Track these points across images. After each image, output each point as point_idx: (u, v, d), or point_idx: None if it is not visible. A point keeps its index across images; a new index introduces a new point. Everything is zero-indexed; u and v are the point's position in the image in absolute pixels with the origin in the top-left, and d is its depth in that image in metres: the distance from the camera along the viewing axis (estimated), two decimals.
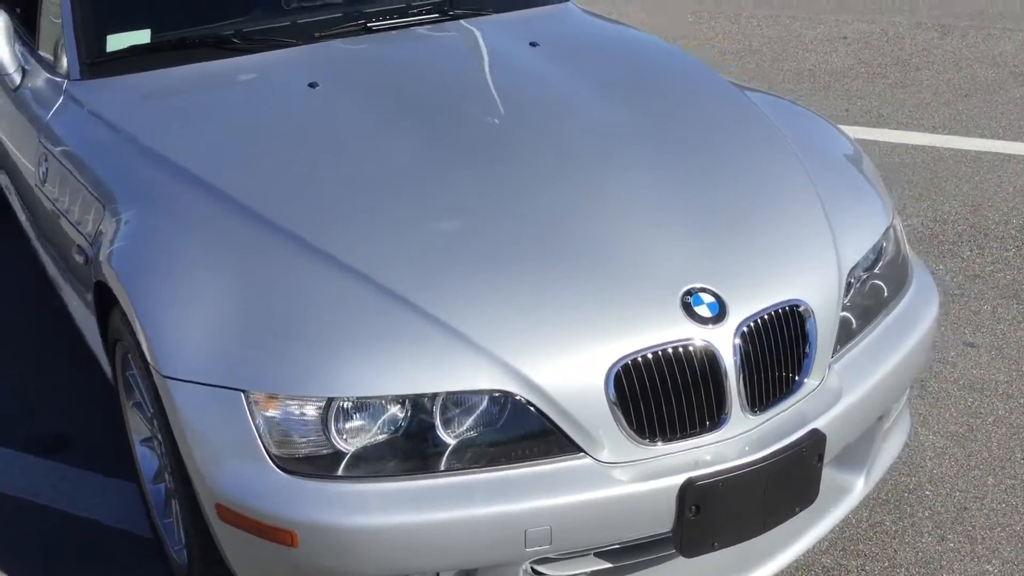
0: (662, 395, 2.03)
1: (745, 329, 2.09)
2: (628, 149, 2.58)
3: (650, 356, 2.02)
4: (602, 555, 2.20)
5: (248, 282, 2.17)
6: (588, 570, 2.19)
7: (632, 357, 2.01)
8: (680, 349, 2.04)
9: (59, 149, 2.91)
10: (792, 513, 2.17)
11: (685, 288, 2.12)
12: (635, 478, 2.00)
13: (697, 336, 2.05)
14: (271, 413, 1.99)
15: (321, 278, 2.15)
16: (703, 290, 2.12)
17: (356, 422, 2.00)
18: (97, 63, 3.06)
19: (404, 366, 1.99)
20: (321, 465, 1.99)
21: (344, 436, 1.99)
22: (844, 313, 2.30)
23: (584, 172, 2.46)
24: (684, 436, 2.05)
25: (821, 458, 2.15)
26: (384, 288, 2.10)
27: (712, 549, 2.10)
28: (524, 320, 2.05)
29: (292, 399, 1.98)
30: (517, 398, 1.98)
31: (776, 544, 2.31)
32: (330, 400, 1.98)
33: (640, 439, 2.02)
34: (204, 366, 2.06)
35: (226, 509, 2.03)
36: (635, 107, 2.81)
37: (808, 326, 2.18)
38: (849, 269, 2.32)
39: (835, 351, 2.26)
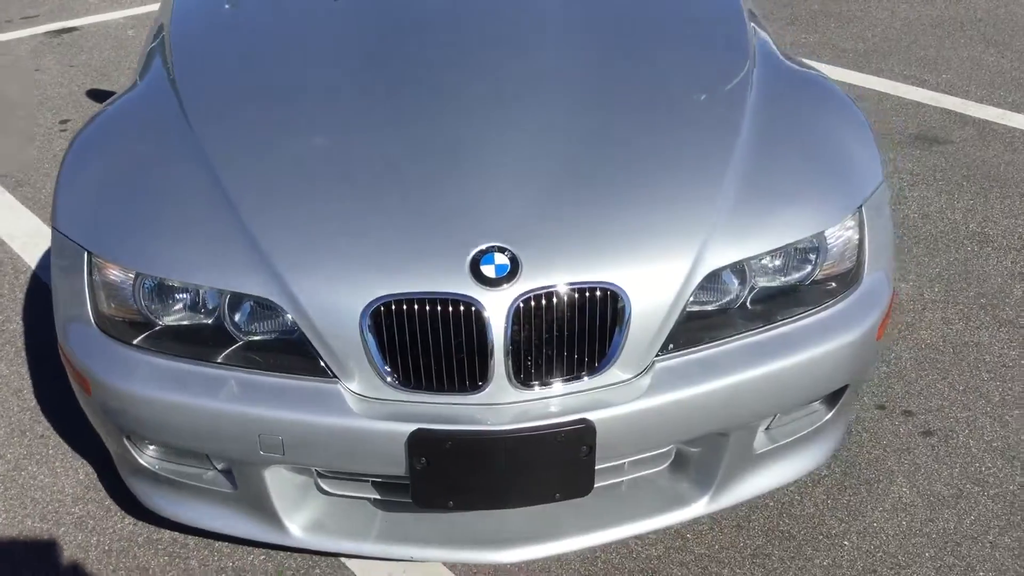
0: (420, 345, 2.02)
1: (532, 301, 2.01)
2: (562, 95, 2.49)
3: (415, 303, 2.01)
4: (380, 486, 2.25)
5: (134, 158, 2.40)
6: (369, 496, 2.26)
7: (396, 299, 2.01)
8: (449, 304, 2.01)
9: None
10: (551, 498, 2.09)
11: (484, 245, 2.06)
12: (371, 415, 2.02)
13: (474, 295, 2.01)
14: (99, 277, 2.22)
15: (184, 167, 2.32)
16: (502, 251, 2.06)
17: (158, 301, 2.17)
18: None
19: (200, 259, 2.12)
20: (122, 330, 2.19)
21: (149, 310, 2.18)
22: (708, 310, 2.15)
23: (492, 112, 2.41)
24: (440, 390, 2.04)
25: (591, 450, 2.04)
26: (222, 186, 2.23)
27: (448, 507, 2.08)
28: (314, 241, 2.10)
29: (114, 267, 2.19)
30: (284, 311, 2.06)
31: (578, 528, 2.24)
32: (138, 275, 2.17)
33: (390, 381, 2.03)
34: (72, 223, 2.31)
35: (61, 348, 2.30)
36: (611, 51, 2.70)
37: (623, 314, 2.05)
38: (713, 270, 2.13)
39: (666, 350, 2.11)
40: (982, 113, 4.85)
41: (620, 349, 2.06)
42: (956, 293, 3.43)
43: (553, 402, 2.04)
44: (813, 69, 2.84)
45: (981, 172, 4.27)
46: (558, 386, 2.05)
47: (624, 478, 2.29)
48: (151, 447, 2.30)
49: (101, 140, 2.51)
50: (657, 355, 2.11)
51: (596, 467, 2.15)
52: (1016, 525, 2.49)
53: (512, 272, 2.03)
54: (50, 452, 2.83)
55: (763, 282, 2.23)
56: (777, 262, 2.24)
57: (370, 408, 2.03)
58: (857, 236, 2.33)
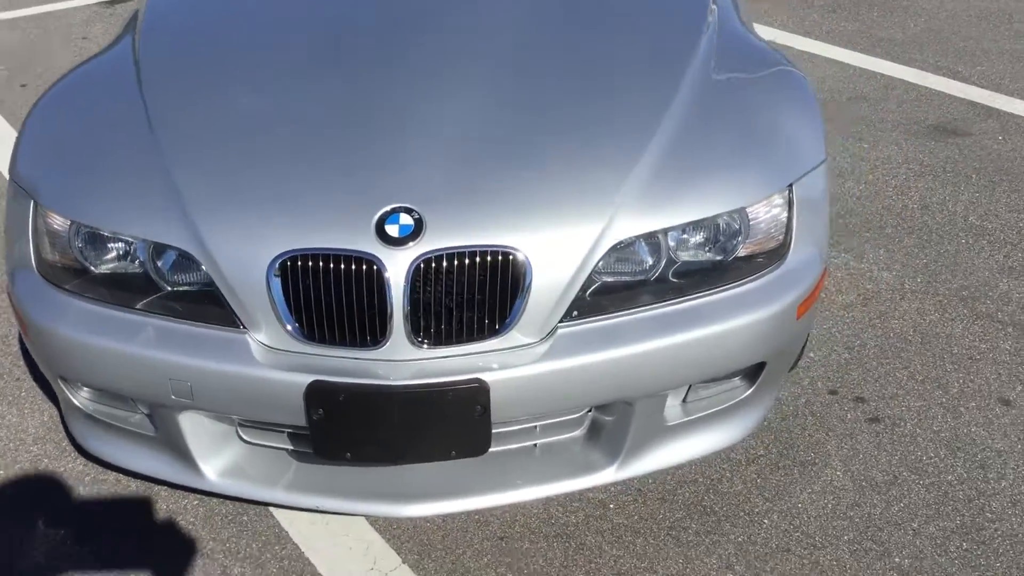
0: (324, 299, 2.08)
1: (434, 262, 2.05)
2: (496, 62, 2.54)
3: (320, 259, 2.07)
4: (293, 437, 2.32)
5: (86, 118, 2.50)
6: (285, 447, 2.33)
7: (302, 254, 2.08)
8: (353, 261, 2.06)
9: None
10: (447, 455, 2.14)
11: (391, 206, 2.12)
12: (273, 365, 2.09)
13: (376, 253, 2.06)
14: (43, 225, 2.33)
15: (128, 128, 2.41)
16: (408, 212, 2.11)
17: (92, 249, 2.27)
18: None
19: (129, 212, 2.22)
20: (60, 277, 2.30)
21: (84, 258, 2.28)
22: (622, 280, 2.18)
23: (423, 79, 2.46)
24: (342, 344, 2.10)
25: (486, 410, 2.08)
26: (158, 146, 2.32)
27: (347, 460, 2.15)
28: (231, 196, 2.18)
29: (54, 215, 2.30)
30: (199, 262, 2.14)
31: (485, 487, 2.28)
32: (73, 223, 2.27)
33: (293, 333, 2.10)
34: (23, 174, 2.43)
35: (7, 292, 2.42)
36: (559, 19, 2.75)
37: (524, 279, 2.09)
38: (620, 240, 2.15)
39: (570, 317, 2.14)
40: (1010, 107, 4.73)
41: (520, 313, 2.10)
42: (938, 284, 3.38)
43: (450, 361, 2.08)
44: (778, 51, 2.83)
45: (994, 166, 4.18)
46: (456, 346, 2.09)
47: (537, 442, 2.33)
48: (84, 389, 2.41)
49: (61, 101, 2.62)
50: (560, 321, 2.14)
51: (498, 428, 2.21)
52: (944, 515, 2.47)
53: (415, 233, 2.08)
54: (22, 394, 2.97)
55: (685, 256, 2.24)
56: (698, 237, 2.25)
57: (273, 358, 2.10)
58: (785, 215, 2.33)
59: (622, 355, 2.13)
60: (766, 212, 2.30)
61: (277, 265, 2.08)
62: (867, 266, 3.48)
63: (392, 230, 2.08)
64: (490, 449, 2.23)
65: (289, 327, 2.10)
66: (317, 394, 2.06)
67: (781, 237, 2.33)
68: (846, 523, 2.45)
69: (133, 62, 2.68)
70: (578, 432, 2.35)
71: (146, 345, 2.15)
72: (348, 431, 2.10)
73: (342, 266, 2.06)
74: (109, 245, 2.26)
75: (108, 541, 2.45)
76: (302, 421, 2.12)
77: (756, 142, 2.38)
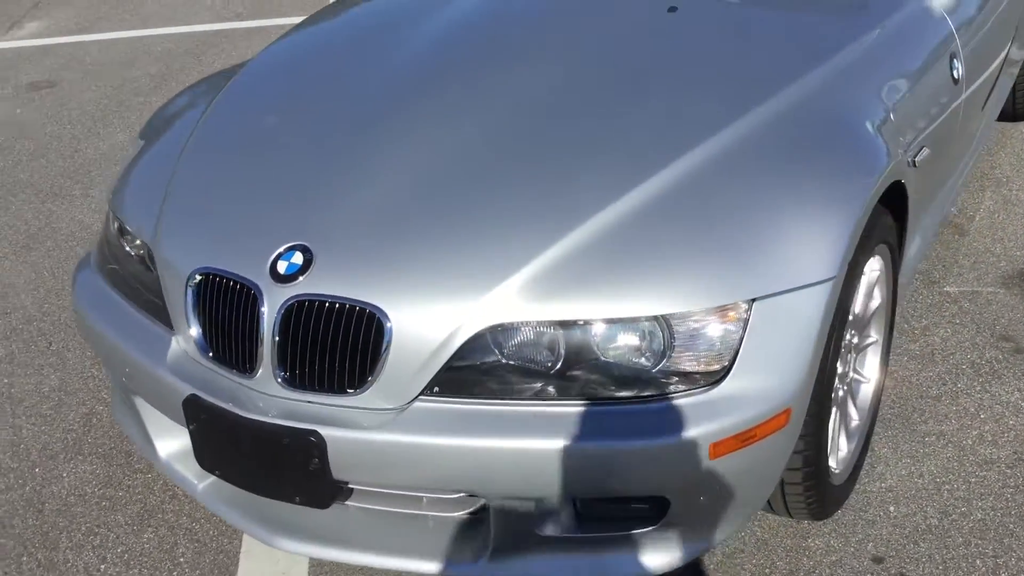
0: (217, 319, 2.16)
1: (306, 305, 2.04)
2: (480, 124, 2.39)
3: (218, 278, 2.16)
4: None
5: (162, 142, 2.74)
6: None
7: (205, 271, 2.17)
8: (239, 287, 2.12)
9: None
10: (292, 499, 2.11)
11: (293, 242, 2.13)
12: (172, 370, 2.20)
13: (260, 284, 2.09)
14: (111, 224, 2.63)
15: (182, 140, 2.64)
16: (304, 251, 2.11)
17: (122, 239, 2.53)
18: None
19: (141, 209, 2.47)
20: (95, 257, 2.61)
21: (118, 242, 2.56)
22: (504, 363, 2.02)
23: (405, 131, 2.39)
24: (227, 365, 2.16)
25: (323, 464, 2.03)
26: (181, 155, 2.54)
27: (216, 475, 2.21)
28: (190, 207, 2.35)
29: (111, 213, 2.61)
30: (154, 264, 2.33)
31: (360, 542, 2.22)
32: (112, 216, 2.57)
33: (198, 344, 2.19)
34: (111, 189, 2.77)
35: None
36: (639, 106, 2.44)
37: (384, 341, 2.01)
38: (497, 324, 1.98)
39: (431, 391, 2.02)
40: None
41: (379, 376, 2.02)
42: None
43: (302, 406, 2.06)
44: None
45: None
46: (313, 394, 2.07)
47: (427, 512, 2.22)
48: None
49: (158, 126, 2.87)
50: (421, 394, 2.02)
51: (362, 486, 2.14)
52: None
53: (300, 273, 2.08)
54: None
55: (593, 355, 2.01)
56: (612, 338, 2.01)
57: (176, 363, 2.22)
58: (739, 334, 1.99)
59: (469, 446, 1.97)
60: (707, 326, 1.99)
61: (192, 276, 2.19)
62: None
63: (281, 266, 2.10)
64: (373, 507, 2.19)
65: (194, 338, 2.20)
66: (191, 407, 2.15)
67: (727, 359, 1.99)
68: None
69: (206, 106, 2.82)
70: (460, 514, 2.20)
71: (109, 327, 2.37)
72: (213, 450, 2.17)
73: (232, 290, 2.13)
74: (131, 238, 2.50)
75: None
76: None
77: (724, 240, 2.06)
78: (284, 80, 2.82)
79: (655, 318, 1.98)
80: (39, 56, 6.33)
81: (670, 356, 1.99)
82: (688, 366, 2.00)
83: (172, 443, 2.49)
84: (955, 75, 2.86)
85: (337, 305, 2.03)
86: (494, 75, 2.59)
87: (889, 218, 2.45)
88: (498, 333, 2.01)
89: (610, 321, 1.99)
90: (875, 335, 2.61)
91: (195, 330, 2.19)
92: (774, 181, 2.18)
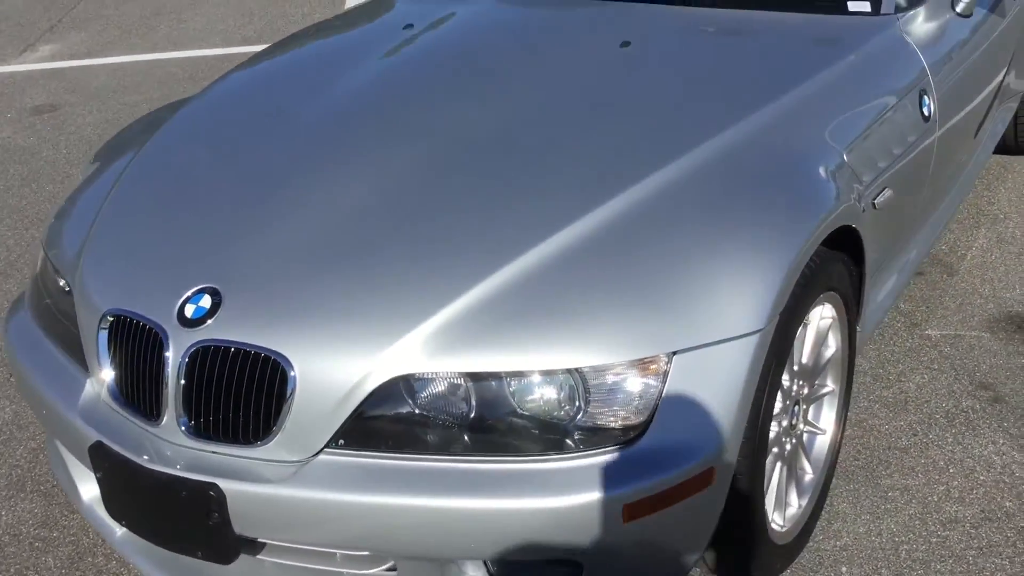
0: (128, 363, 2.09)
1: (211, 351, 1.97)
2: (411, 168, 2.30)
3: (126, 320, 2.09)
4: None
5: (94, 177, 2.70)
6: None
7: (115, 313, 2.11)
8: (147, 330, 2.05)
9: None
10: (195, 554, 2.03)
11: (202, 285, 2.05)
12: (82, 415, 2.13)
13: (167, 328, 2.02)
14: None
15: (114, 181, 2.57)
16: (215, 294, 2.03)
17: (55, 273, 2.47)
18: None
19: (68, 248, 2.41)
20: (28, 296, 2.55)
21: (46, 282, 2.50)
22: (415, 414, 1.93)
23: (327, 176, 2.31)
24: (136, 411, 2.09)
25: (224, 518, 1.95)
26: (111, 196, 2.48)
27: (124, 525, 2.13)
28: (105, 248, 2.30)
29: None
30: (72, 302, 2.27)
31: None
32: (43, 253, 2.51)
33: (110, 389, 2.12)
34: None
35: None
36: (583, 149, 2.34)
37: (288, 391, 1.93)
38: (405, 374, 1.90)
39: (336, 444, 1.93)
40: None
41: (283, 427, 1.94)
42: None
43: (206, 456, 1.99)
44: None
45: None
46: (217, 444, 1.99)
47: (342, 569, 2.12)
48: None
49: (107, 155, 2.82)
50: (326, 447, 1.94)
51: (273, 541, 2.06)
52: None
53: (208, 316, 2.00)
54: None
55: (505, 405, 1.92)
56: (526, 391, 1.91)
57: (87, 408, 2.15)
58: (657, 389, 1.89)
59: (373, 503, 1.88)
60: (625, 380, 1.89)
61: (107, 318, 2.12)
62: None
63: (189, 309, 2.03)
64: (279, 561, 2.10)
65: (106, 382, 2.13)
66: (96, 454, 2.08)
67: (646, 415, 1.89)
68: None
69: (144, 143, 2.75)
70: (375, 571, 2.10)
71: (34, 367, 2.32)
72: (119, 500, 2.09)
73: (140, 332, 2.06)
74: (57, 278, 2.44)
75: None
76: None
77: (646, 289, 1.95)
78: (215, 121, 2.76)
79: (570, 371, 1.89)
80: (47, 79, 6.36)
81: (585, 411, 1.90)
82: (605, 421, 1.90)
83: (93, 487, 2.41)
84: (925, 112, 2.74)
85: (242, 352, 1.95)
86: (423, 116, 2.51)
87: (841, 265, 2.33)
88: (410, 383, 1.92)
89: (523, 373, 1.90)
90: (831, 384, 2.49)
91: (107, 373, 2.12)
92: (705, 227, 2.07)
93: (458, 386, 1.92)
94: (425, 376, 1.91)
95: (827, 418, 2.50)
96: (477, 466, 1.89)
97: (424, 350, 1.91)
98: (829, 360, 2.44)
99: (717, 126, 2.32)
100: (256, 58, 3.16)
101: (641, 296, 1.95)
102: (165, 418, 2.01)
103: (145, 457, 2.00)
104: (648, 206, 2.11)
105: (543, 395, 1.91)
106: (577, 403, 1.90)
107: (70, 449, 2.24)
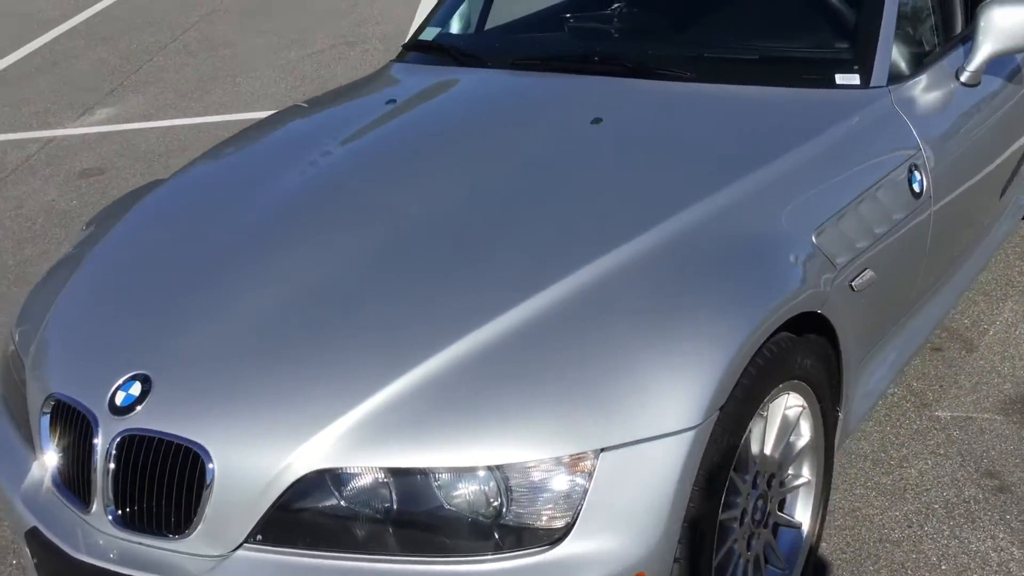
0: (60, 446, 2.10)
1: (136, 440, 1.95)
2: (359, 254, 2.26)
3: (62, 405, 2.09)
4: None
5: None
6: None
7: (53, 397, 2.11)
8: (78, 415, 2.04)
9: None
10: None
11: (140, 372, 2.04)
12: (24, 499, 2.13)
13: (97, 415, 2.01)
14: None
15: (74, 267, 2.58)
16: (145, 381, 2.01)
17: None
18: None
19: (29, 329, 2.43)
20: None
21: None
22: (338, 509, 1.87)
23: (276, 261, 2.29)
24: (71, 498, 2.07)
25: None
26: (72, 280, 2.48)
27: None
28: (56, 333, 2.30)
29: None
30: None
31: None
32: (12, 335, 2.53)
33: (52, 475, 2.11)
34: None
35: None
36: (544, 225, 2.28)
37: (205, 482, 1.89)
38: (324, 468, 1.85)
39: (254, 539, 1.89)
40: None
41: (203, 519, 1.90)
42: None
43: (133, 547, 1.96)
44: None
45: None
46: (142, 536, 1.96)
47: None
48: None
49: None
50: (246, 541, 1.89)
51: None
52: None
53: (137, 404, 1.99)
54: None
55: (430, 502, 1.86)
56: (447, 488, 1.85)
57: (28, 491, 2.15)
58: (583, 487, 1.81)
59: None
60: (549, 478, 1.81)
61: (49, 402, 2.12)
62: None
63: (117, 396, 2.02)
64: None
65: (47, 467, 2.12)
66: (32, 540, 2.08)
67: (570, 516, 1.81)
68: None
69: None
70: None
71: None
72: None
73: (73, 417, 2.05)
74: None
75: None
76: None
77: (574, 383, 1.88)
78: (178, 207, 2.76)
79: (491, 468, 1.82)
80: (99, 142, 6.53)
81: (508, 510, 1.82)
82: (530, 521, 1.82)
83: None
84: (916, 188, 2.61)
85: (164, 442, 1.93)
86: (375, 202, 2.47)
87: (812, 352, 2.21)
88: (336, 475, 1.87)
89: (443, 470, 1.83)
90: (807, 475, 2.36)
91: (47, 457, 2.12)
92: (646, 316, 1.99)
93: (380, 481, 1.86)
94: (345, 469, 1.86)
95: (802, 512, 2.37)
96: (391, 566, 1.82)
97: (345, 443, 1.86)
98: (802, 449, 2.32)
99: (675, 207, 2.24)
100: (234, 138, 3.18)
101: (569, 389, 1.87)
102: (94, 506, 2.00)
103: (71, 547, 1.98)
104: (590, 293, 2.04)
105: (467, 492, 1.84)
106: (500, 500, 1.82)
107: (13, 532, 2.23)
